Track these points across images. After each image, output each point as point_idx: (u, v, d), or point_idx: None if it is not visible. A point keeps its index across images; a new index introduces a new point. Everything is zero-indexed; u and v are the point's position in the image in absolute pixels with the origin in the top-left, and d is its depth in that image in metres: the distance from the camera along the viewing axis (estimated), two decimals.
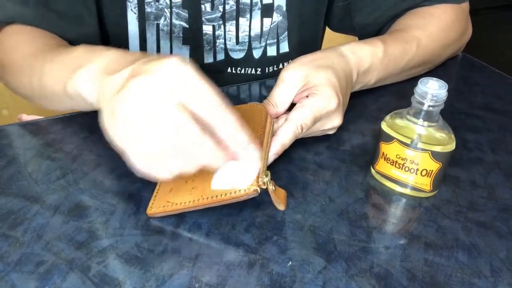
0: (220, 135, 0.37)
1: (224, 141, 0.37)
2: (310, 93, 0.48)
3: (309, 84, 0.49)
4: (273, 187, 0.41)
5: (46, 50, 0.53)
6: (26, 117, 0.93)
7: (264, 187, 0.40)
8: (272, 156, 0.46)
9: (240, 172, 0.40)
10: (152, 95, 0.35)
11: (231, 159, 0.38)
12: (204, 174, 0.43)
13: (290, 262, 0.39)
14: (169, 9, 0.66)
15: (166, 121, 0.35)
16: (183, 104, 0.35)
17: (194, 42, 0.69)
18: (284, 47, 0.73)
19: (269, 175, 0.41)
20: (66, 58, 0.48)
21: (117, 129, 0.37)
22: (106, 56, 0.42)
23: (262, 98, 0.54)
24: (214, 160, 0.37)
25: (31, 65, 0.52)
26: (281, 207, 0.42)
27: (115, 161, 0.50)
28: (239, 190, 0.39)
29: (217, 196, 0.40)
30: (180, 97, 0.35)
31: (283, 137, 0.46)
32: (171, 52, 0.69)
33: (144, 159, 0.37)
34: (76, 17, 0.61)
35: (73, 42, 0.60)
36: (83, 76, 0.43)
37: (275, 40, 0.72)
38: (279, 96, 0.50)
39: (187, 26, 0.67)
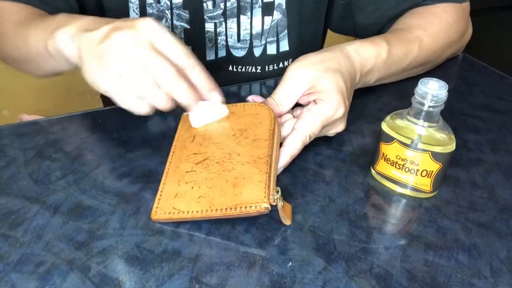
0: (191, 77, 0.45)
1: (194, 83, 0.45)
2: (318, 99, 0.48)
3: (316, 88, 0.48)
4: (282, 203, 0.41)
5: (31, 18, 0.58)
6: (26, 117, 0.93)
7: (274, 204, 0.40)
8: (281, 168, 0.46)
9: (212, 109, 0.48)
10: (133, 42, 0.43)
11: (200, 99, 0.46)
12: (210, 181, 0.43)
13: (290, 263, 0.39)
14: (169, 11, 0.66)
15: (147, 62, 0.42)
16: (159, 50, 0.43)
17: (196, 41, 0.69)
18: (284, 46, 0.73)
19: (279, 192, 0.41)
20: (48, 23, 0.53)
21: (102, 72, 0.44)
22: (84, 19, 0.49)
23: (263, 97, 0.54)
24: (187, 97, 0.45)
25: (18, 31, 0.58)
26: (287, 222, 0.42)
27: (115, 161, 0.50)
28: (250, 206, 0.39)
29: (226, 209, 0.40)
30: (156, 46, 0.43)
31: (292, 148, 0.46)
32: None
33: (126, 95, 0.44)
34: (59, 9, 0.63)
35: None
36: (62, 34, 0.48)
37: (275, 38, 0.72)
38: (284, 96, 0.49)
39: (188, 27, 0.67)
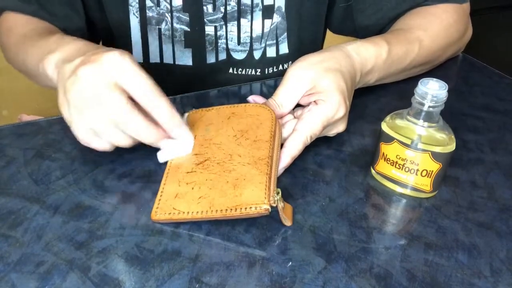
0: (154, 115, 0.43)
1: (158, 121, 0.44)
2: (319, 99, 0.48)
3: (317, 88, 0.48)
4: (282, 204, 0.41)
5: (33, 34, 0.59)
6: (26, 117, 0.93)
7: (275, 205, 0.40)
8: (282, 169, 0.46)
9: (178, 146, 0.46)
10: (94, 79, 0.42)
11: (166, 137, 0.45)
12: (210, 182, 0.43)
13: (290, 263, 0.39)
14: (169, 14, 0.66)
15: (104, 100, 0.42)
16: (121, 87, 0.42)
17: (196, 44, 0.69)
18: (284, 48, 0.73)
19: (279, 193, 0.41)
20: (43, 44, 0.54)
21: (66, 106, 0.44)
22: (69, 47, 0.49)
23: (263, 97, 0.54)
24: (147, 135, 0.44)
25: (20, 48, 0.60)
26: (287, 223, 0.42)
27: (115, 161, 0.50)
28: (250, 208, 0.39)
29: (226, 210, 0.40)
30: (118, 82, 0.42)
31: (293, 149, 0.46)
32: (173, 55, 0.70)
33: (86, 131, 0.44)
34: (65, 16, 0.65)
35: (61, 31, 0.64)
36: (49, 61, 0.49)
37: (275, 41, 0.72)
38: (285, 97, 0.49)
39: (188, 30, 0.67)
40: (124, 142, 0.45)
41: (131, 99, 0.42)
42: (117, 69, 0.42)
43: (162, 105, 0.43)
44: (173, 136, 0.45)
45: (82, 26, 0.68)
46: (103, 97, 0.42)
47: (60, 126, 0.55)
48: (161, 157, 0.47)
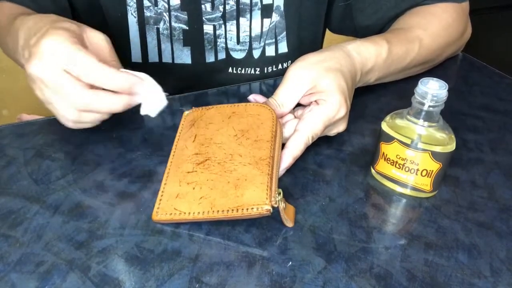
0: (101, 86, 0.44)
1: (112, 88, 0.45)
2: (320, 99, 0.48)
3: (318, 88, 0.48)
4: (284, 205, 0.41)
5: (11, 20, 0.59)
6: (26, 117, 0.93)
7: (276, 205, 0.40)
8: (283, 170, 0.46)
9: (149, 96, 0.47)
10: (43, 74, 0.44)
11: (131, 97, 0.46)
12: (211, 182, 0.43)
13: (290, 262, 0.39)
14: (167, 13, 0.66)
15: (60, 92, 0.44)
16: (67, 71, 0.43)
17: (195, 43, 0.69)
18: (283, 48, 0.73)
19: (281, 194, 0.41)
20: (14, 31, 0.55)
21: (46, 104, 0.47)
22: (23, 30, 0.50)
23: (263, 96, 0.54)
24: (113, 104, 0.45)
25: (3, 34, 0.61)
26: (289, 223, 0.42)
27: (115, 161, 0.50)
28: (251, 208, 0.39)
29: (228, 211, 0.40)
30: (62, 68, 0.43)
31: (294, 150, 0.46)
32: (172, 54, 0.70)
33: (67, 121, 0.47)
34: (51, 7, 0.66)
35: None
36: (20, 50, 0.50)
37: (273, 40, 0.72)
38: (285, 97, 0.49)
39: (187, 28, 0.67)
40: (100, 117, 0.47)
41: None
42: (56, 58, 0.43)
43: (104, 73, 0.44)
44: (140, 92, 0.46)
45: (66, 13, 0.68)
46: (58, 89, 0.44)
47: (60, 126, 0.55)
48: (142, 110, 0.48)
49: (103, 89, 0.45)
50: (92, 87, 0.44)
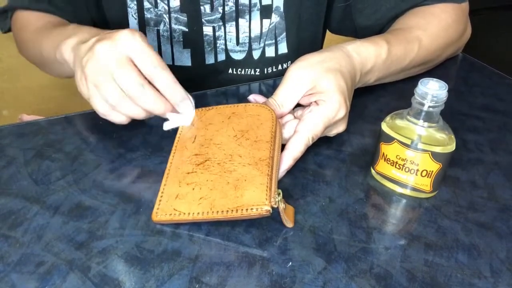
0: (159, 89, 0.46)
1: (163, 94, 0.47)
2: (320, 100, 0.48)
3: (317, 88, 0.48)
4: (284, 206, 0.41)
5: (47, 26, 0.64)
6: (26, 117, 0.93)
7: (276, 206, 0.40)
8: (284, 171, 0.46)
9: (181, 117, 0.49)
10: (109, 54, 0.45)
11: (171, 109, 0.48)
12: (211, 183, 0.43)
13: (290, 263, 0.39)
14: (167, 15, 0.66)
15: (117, 74, 0.45)
16: (132, 62, 0.45)
17: (194, 45, 0.69)
18: (283, 48, 0.73)
19: (280, 194, 0.41)
20: (59, 33, 0.58)
21: (84, 83, 0.48)
22: (85, 32, 0.53)
23: (263, 96, 0.54)
24: (157, 106, 0.46)
25: (35, 39, 0.64)
26: (289, 224, 0.42)
27: (115, 161, 0.50)
28: (251, 209, 0.39)
29: (227, 211, 0.40)
30: (129, 56, 0.45)
31: (295, 151, 0.46)
32: (172, 56, 0.70)
33: (103, 104, 0.47)
34: (74, 14, 0.69)
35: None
36: (66, 46, 0.53)
37: (273, 41, 0.72)
38: (285, 97, 0.49)
39: (187, 30, 0.67)
40: (138, 114, 0.47)
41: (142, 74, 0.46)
42: (129, 45, 0.45)
43: (167, 79, 0.46)
44: (177, 109, 0.48)
45: (89, 23, 0.71)
46: (116, 71, 0.45)
47: (60, 126, 0.55)
48: (166, 125, 0.50)
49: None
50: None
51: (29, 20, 0.68)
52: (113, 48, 0.45)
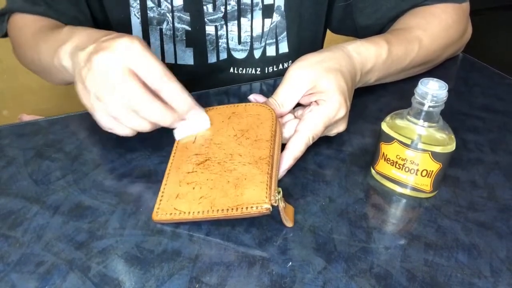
0: (166, 99, 0.44)
1: (171, 104, 0.45)
2: (320, 100, 0.48)
3: (317, 88, 0.48)
4: (284, 205, 0.41)
5: (43, 31, 0.61)
6: (26, 117, 0.93)
7: (276, 204, 0.40)
8: (284, 171, 0.46)
9: (194, 124, 0.48)
10: (108, 66, 0.43)
11: (180, 119, 0.46)
12: (211, 182, 0.43)
13: (290, 263, 0.39)
14: (171, 13, 0.66)
15: (119, 86, 0.43)
16: (134, 72, 0.43)
17: (197, 44, 0.69)
18: (283, 48, 0.73)
19: (281, 193, 0.41)
20: (54, 37, 0.56)
21: (86, 95, 0.45)
22: (81, 34, 0.51)
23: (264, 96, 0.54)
24: (163, 118, 0.45)
25: (32, 45, 0.61)
26: (289, 223, 0.42)
27: (115, 161, 0.50)
28: (251, 207, 0.39)
29: (228, 210, 0.40)
30: (130, 67, 0.43)
31: (295, 151, 0.46)
32: (175, 55, 0.70)
33: (106, 118, 0.45)
34: (73, 17, 0.67)
35: None
36: (63, 51, 0.50)
37: (274, 40, 0.72)
38: (285, 96, 0.49)
39: (190, 29, 0.67)
40: (144, 126, 0.45)
41: (145, 83, 0.44)
42: (129, 55, 0.43)
43: (174, 89, 0.44)
44: (187, 118, 0.47)
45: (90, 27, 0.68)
46: (118, 84, 0.43)
47: (60, 126, 0.55)
48: (177, 134, 0.48)
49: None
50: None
51: (26, 23, 0.65)
52: (111, 59, 0.43)
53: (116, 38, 0.44)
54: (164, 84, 0.44)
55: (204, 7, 0.66)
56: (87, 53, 0.45)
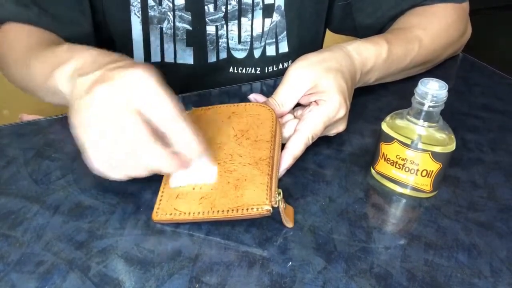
0: (173, 143, 0.39)
1: (178, 149, 0.39)
2: (320, 100, 0.48)
3: (317, 88, 0.48)
4: (284, 205, 0.41)
5: (36, 47, 0.55)
6: (27, 117, 0.93)
7: (276, 205, 0.40)
8: (283, 171, 0.46)
9: (198, 171, 0.43)
10: (111, 102, 0.37)
11: (185, 166, 0.40)
12: (212, 183, 0.42)
13: (290, 262, 0.39)
14: (172, 12, 0.66)
15: (122, 129, 0.37)
16: (140, 112, 0.37)
17: (197, 43, 0.69)
18: (283, 47, 0.73)
19: (281, 194, 0.41)
20: (50, 56, 0.50)
21: (80, 129, 0.39)
22: (83, 56, 0.44)
23: (264, 96, 0.54)
24: (165, 165, 0.39)
25: (23, 61, 0.55)
26: (289, 224, 0.42)
27: None
28: (252, 208, 0.39)
29: (228, 211, 0.40)
30: (137, 106, 0.37)
31: (295, 150, 0.46)
32: (175, 54, 0.70)
33: (100, 160, 0.40)
34: (71, 21, 0.62)
35: (67, 40, 0.60)
36: (61, 74, 0.45)
37: (274, 40, 0.72)
38: (285, 96, 0.49)
39: (190, 28, 0.67)
40: (141, 173, 0.40)
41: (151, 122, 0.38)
42: (139, 93, 0.37)
43: (187, 134, 0.39)
44: (191, 166, 0.41)
45: (90, 32, 0.65)
46: (122, 124, 0.37)
47: (60, 126, 0.55)
48: (174, 182, 0.43)
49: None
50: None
51: (17, 37, 0.58)
52: (116, 94, 0.37)
53: (127, 68, 0.38)
54: (176, 127, 0.38)
55: (206, 7, 0.66)
56: (90, 81, 0.39)
